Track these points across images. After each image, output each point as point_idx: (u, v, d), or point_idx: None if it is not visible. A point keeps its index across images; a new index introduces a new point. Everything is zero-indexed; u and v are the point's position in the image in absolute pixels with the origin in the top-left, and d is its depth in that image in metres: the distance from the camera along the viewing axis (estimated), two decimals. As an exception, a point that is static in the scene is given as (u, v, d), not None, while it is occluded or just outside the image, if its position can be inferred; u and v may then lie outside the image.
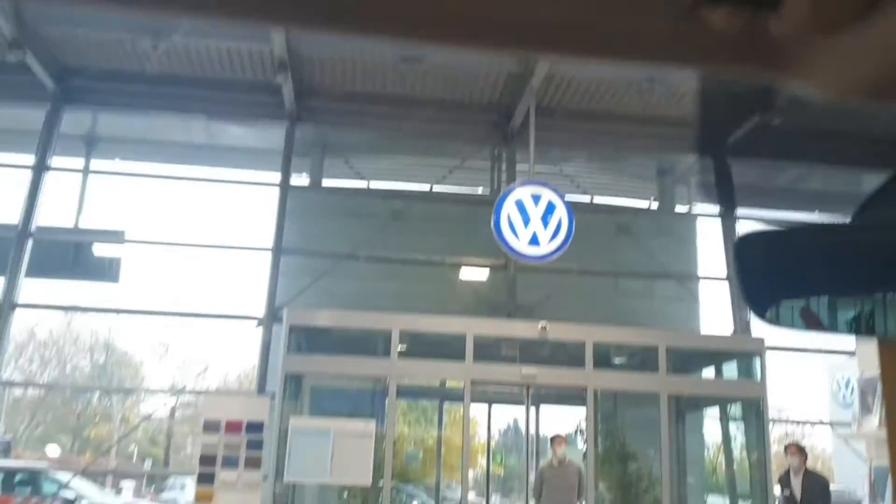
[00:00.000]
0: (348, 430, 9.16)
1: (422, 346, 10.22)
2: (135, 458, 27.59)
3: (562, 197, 10.45)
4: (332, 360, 9.78)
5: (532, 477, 11.21)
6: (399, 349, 9.53)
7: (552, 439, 8.50)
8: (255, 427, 9.02)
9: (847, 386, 17.04)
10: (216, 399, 11.55)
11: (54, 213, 12.21)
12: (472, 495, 13.94)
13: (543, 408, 12.04)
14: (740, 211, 12.47)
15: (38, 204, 11.29)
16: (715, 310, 11.88)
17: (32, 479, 11.91)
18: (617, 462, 10.43)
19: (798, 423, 11.30)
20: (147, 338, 33.64)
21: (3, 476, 11.81)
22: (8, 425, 24.95)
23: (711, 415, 11.30)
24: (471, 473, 13.56)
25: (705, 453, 11.49)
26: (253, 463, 8.89)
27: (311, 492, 10.11)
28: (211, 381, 25.52)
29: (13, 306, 10.77)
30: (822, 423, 11.85)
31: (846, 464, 12.39)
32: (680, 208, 13.83)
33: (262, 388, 10.79)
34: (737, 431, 10.85)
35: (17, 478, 11.87)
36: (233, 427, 8.95)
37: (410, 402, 16.34)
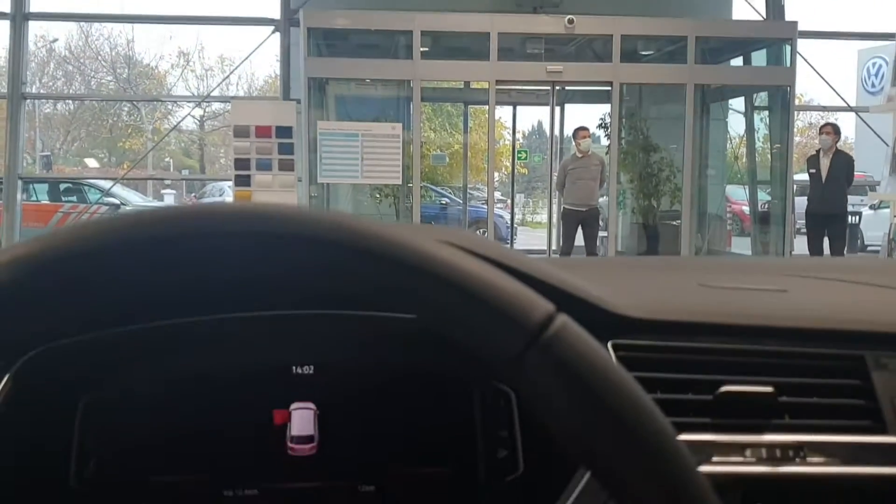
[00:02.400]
0: (375, 132, 9.32)
1: (445, 47, 10.03)
2: (171, 170, 28.57)
3: None
4: (354, 62, 9.69)
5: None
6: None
7: (575, 131, 8.59)
8: (284, 131, 9.18)
9: (877, 73, 16.67)
10: (243, 105, 11.63)
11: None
12: (497, 195, 14.47)
13: (568, 107, 12.05)
14: None
15: None
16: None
17: (77, 188, 12.53)
18: (640, 154, 10.61)
19: (823, 109, 11.16)
20: (166, 48, 33.17)
21: (49, 187, 12.43)
22: (45, 143, 25.61)
23: (736, 105, 11.26)
24: (496, 175, 13.96)
25: (728, 144, 11.62)
26: (286, 166, 9.17)
27: (344, 191, 10.54)
28: (235, 89, 25.55)
29: (25, 17, 10.55)
30: (848, 108, 11.72)
31: (868, 156, 12.52)
32: None
33: (286, 94, 10.82)
34: (760, 122, 10.88)
35: (63, 187, 12.50)
36: (263, 132, 9.11)
37: (436, 108, 16.43)
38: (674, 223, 10.11)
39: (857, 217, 12.37)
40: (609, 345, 0.71)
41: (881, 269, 1.25)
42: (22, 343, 0.72)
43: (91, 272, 0.40)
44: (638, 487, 0.40)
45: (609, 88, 9.62)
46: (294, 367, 0.82)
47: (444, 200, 13.43)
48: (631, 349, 0.71)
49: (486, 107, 9.82)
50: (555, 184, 9.33)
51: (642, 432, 0.40)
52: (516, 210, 16.71)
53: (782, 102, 10.00)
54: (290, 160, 9.16)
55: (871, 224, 12.05)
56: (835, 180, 7.38)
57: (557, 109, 11.08)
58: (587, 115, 12.00)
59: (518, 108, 12.97)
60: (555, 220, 10.61)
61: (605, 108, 10.41)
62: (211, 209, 0.42)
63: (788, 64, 9.63)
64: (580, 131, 8.52)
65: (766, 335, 0.74)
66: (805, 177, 8.11)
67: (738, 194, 12.05)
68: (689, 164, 9.61)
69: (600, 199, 9.55)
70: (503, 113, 14.42)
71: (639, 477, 0.40)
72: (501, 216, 13.53)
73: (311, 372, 0.83)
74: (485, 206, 10.89)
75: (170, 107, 25.98)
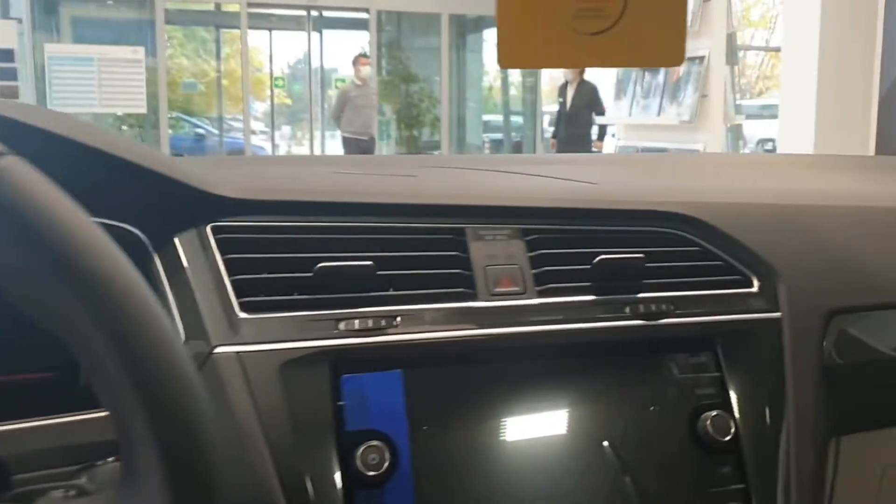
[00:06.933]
0: (113, 57, 8.52)
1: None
2: None
3: None
4: (86, -22, 8.75)
5: (316, 107, 11.30)
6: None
7: (356, 59, 8.34)
8: (4, 55, 8.14)
9: None
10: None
11: None
12: (261, 126, 13.94)
13: (326, 34, 11.75)
14: None
15: None
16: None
17: None
18: (400, 84, 10.62)
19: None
20: None
21: None
22: None
23: (491, 37, 11.55)
24: (260, 106, 13.40)
25: (484, 76, 11.95)
26: (8, 93, 8.14)
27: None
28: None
29: None
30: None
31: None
32: None
33: (5, 13, 9.58)
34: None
35: None
36: (-24, 54, 8.03)
37: (188, 33, 15.36)
38: (434, 153, 10.29)
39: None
40: (208, 227, 0.70)
41: (531, 160, 1.37)
42: None
43: None
44: (79, 330, 0.36)
45: (367, 16, 9.47)
46: None
47: (200, 131, 12.67)
48: (230, 230, 0.71)
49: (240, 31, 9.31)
50: (331, 113, 8.94)
51: (78, 271, 0.36)
52: (282, 142, 16.23)
53: (532, 34, 10.38)
54: (13, 87, 8.16)
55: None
56: (577, 110, 7.70)
57: (316, 36, 10.75)
58: (347, 43, 11.78)
59: (276, 34, 12.46)
60: (318, 150, 10.41)
61: (364, 35, 10.27)
62: None
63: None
64: (361, 58, 8.29)
65: (367, 212, 0.76)
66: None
67: (496, 124, 12.49)
68: (446, 95, 9.75)
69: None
70: (260, 40, 13.81)
71: (80, 321, 0.36)
72: (262, 148, 13.04)
73: None
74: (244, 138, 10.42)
75: None
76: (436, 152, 10.22)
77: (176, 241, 0.69)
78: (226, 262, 0.69)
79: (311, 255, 0.71)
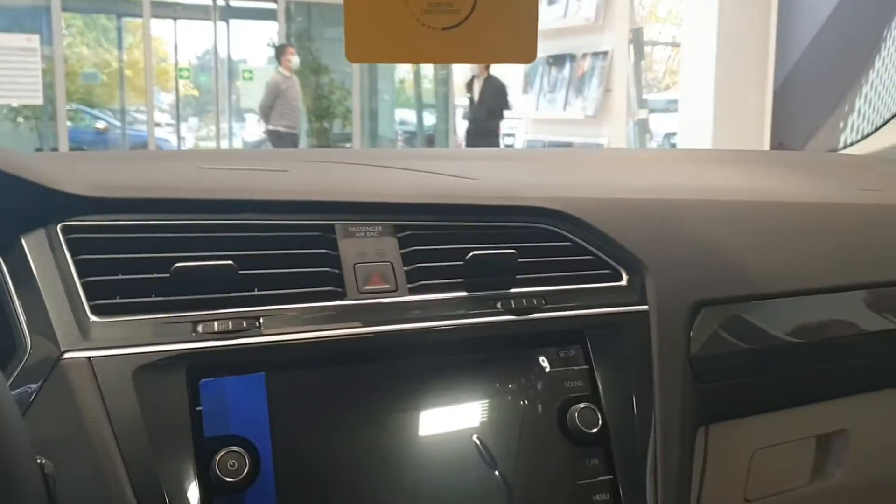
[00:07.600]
0: (6, 45, 8.12)
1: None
2: None
3: None
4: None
5: (223, 98, 11.06)
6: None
7: (284, 49, 8.11)
8: None
9: None
10: None
11: None
12: (167, 118, 13.55)
13: (233, 24, 11.49)
14: None
15: None
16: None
17: None
18: (310, 76, 10.48)
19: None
20: None
21: None
22: None
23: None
24: (165, 98, 13.00)
25: (397, 68, 11.90)
26: None
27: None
28: None
29: None
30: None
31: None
32: None
33: None
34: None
35: None
36: None
37: (86, 20, 14.78)
38: (346, 145, 10.21)
39: (512, 138, 13.43)
40: (58, 227, 0.67)
41: (416, 155, 1.33)
42: None
43: None
44: None
45: (275, 6, 9.31)
46: None
47: (102, 124, 12.21)
48: (82, 230, 0.68)
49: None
50: (260, 106, 8.50)
51: None
52: (188, 134, 15.83)
53: (443, 27, 10.40)
54: None
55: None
56: (484, 104, 7.71)
57: (222, 26, 10.51)
58: (255, 34, 11.58)
59: (181, 24, 12.10)
60: (223, 144, 10.19)
61: (274, 27, 10.11)
62: None
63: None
64: (289, 48, 8.07)
65: (229, 209, 0.73)
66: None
67: (409, 117, 12.47)
68: (358, 86, 9.68)
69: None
70: (164, 29, 13.40)
71: None
72: (167, 140, 12.66)
73: None
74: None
75: None
76: (347, 145, 10.13)
77: (22, 241, 0.65)
78: (76, 263, 0.65)
79: (167, 254, 0.68)
